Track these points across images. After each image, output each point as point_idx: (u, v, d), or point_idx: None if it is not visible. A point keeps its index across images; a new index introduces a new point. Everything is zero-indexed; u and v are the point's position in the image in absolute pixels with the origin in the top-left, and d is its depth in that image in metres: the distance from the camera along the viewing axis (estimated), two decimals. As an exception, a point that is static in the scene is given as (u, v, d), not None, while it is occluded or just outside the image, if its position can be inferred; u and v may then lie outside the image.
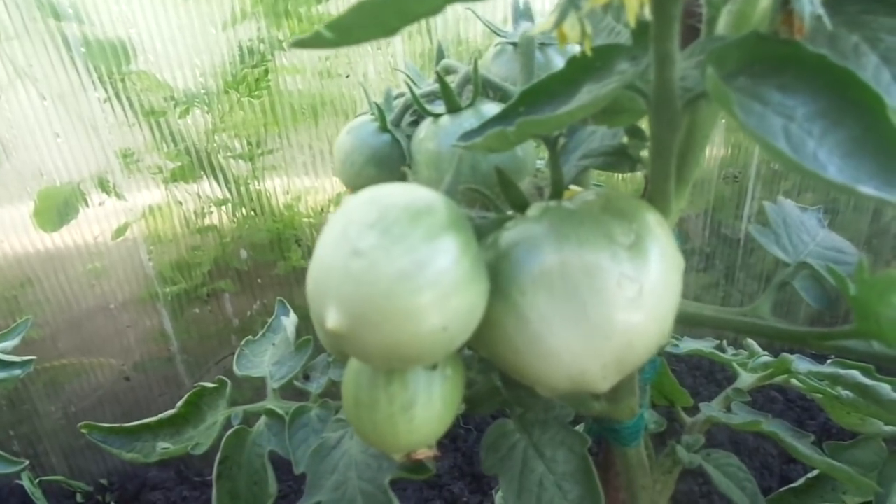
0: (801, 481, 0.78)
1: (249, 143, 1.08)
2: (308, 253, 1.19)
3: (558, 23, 0.29)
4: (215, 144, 1.07)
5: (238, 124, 1.06)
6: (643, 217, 0.32)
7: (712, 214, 1.32)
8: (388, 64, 1.07)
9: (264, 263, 1.19)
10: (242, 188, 1.12)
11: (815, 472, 0.78)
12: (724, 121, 1.19)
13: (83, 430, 0.60)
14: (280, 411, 0.52)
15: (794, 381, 0.63)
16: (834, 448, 0.71)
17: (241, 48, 1.01)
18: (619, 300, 0.30)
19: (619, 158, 0.37)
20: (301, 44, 0.26)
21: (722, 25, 0.33)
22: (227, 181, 1.11)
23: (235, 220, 1.14)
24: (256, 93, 1.03)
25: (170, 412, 0.58)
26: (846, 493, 0.78)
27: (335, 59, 1.04)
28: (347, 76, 1.06)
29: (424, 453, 0.37)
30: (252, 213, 1.14)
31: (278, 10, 0.98)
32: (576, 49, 0.48)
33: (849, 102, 0.26)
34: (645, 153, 0.37)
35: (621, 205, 0.33)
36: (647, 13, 0.28)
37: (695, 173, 0.37)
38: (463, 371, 0.36)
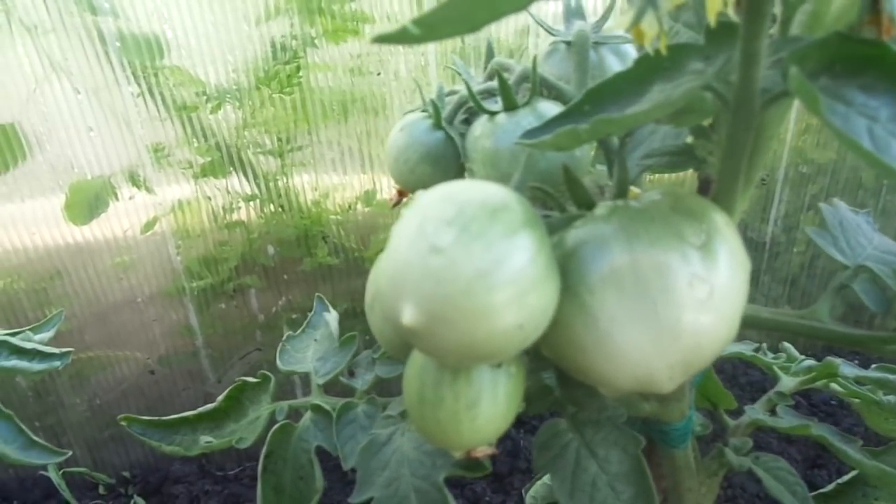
0: (831, 486, 0.78)
1: (279, 140, 1.09)
2: (335, 250, 1.19)
3: (636, 21, 0.29)
4: (245, 140, 1.08)
5: (268, 120, 1.06)
6: (712, 217, 0.32)
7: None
8: (420, 62, 1.06)
9: (291, 260, 1.19)
10: (271, 184, 1.12)
11: (845, 478, 0.77)
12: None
13: (122, 423, 0.61)
14: (327, 407, 0.52)
15: (833, 385, 0.62)
16: (866, 453, 0.70)
17: (273, 44, 1.01)
18: (689, 301, 0.30)
19: (684, 158, 0.36)
20: (385, 39, 0.26)
21: (796, 25, 0.32)
22: (255, 177, 1.11)
23: (263, 215, 1.14)
24: (287, 89, 1.03)
25: (209, 406, 0.59)
26: (878, 498, 0.77)
27: (366, 56, 1.04)
28: (378, 74, 1.06)
29: (483, 451, 0.37)
30: (280, 209, 1.14)
31: (311, 6, 0.99)
32: (629, 49, 0.48)
33: (933, 104, 0.26)
34: (709, 153, 0.37)
35: (690, 205, 0.33)
36: (730, 13, 0.28)
37: (758, 175, 0.37)
38: (524, 369, 0.36)
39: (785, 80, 0.29)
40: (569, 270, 0.32)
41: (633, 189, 0.41)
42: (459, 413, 0.33)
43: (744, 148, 0.32)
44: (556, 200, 0.37)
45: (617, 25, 0.30)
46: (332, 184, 1.15)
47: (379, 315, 0.38)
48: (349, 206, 1.17)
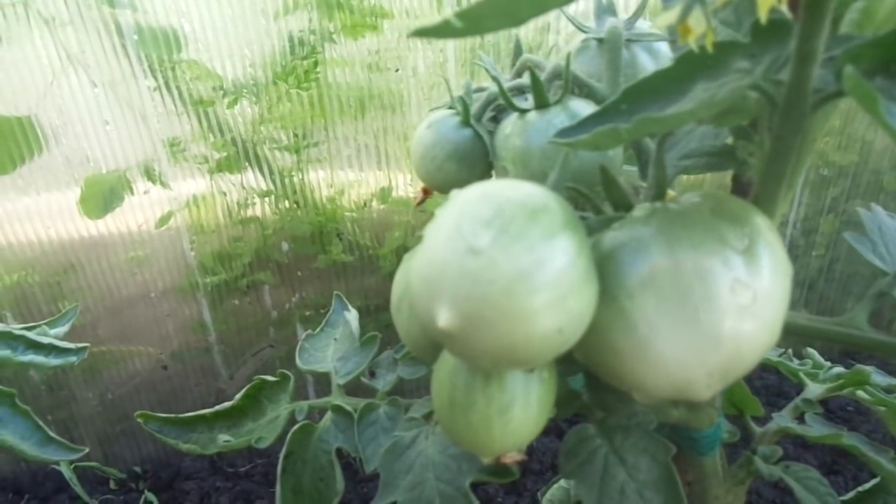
0: (851, 494, 0.77)
1: (295, 135, 1.08)
2: (349, 247, 1.18)
3: (683, 17, 0.28)
4: (261, 136, 1.07)
5: (284, 116, 1.06)
6: (754, 221, 0.31)
7: (757, 219, 1.29)
8: (438, 59, 1.06)
9: (305, 256, 1.18)
10: (286, 180, 1.11)
11: (866, 486, 0.76)
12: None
13: (140, 420, 0.60)
14: (348, 408, 0.51)
15: (860, 393, 0.61)
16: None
17: (291, 39, 1.00)
18: (731, 307, 0.29)
19: (724, 159, 0.35)
20: (425, 32, 0.25)
21: (846, 23, 0.31)
22: (271, 173, 1.10)
23: (278, 212, 1.14)
24: (305, 85, 1.02)
25: (227, 404, 0.58)
26: (900, 507, 0.76)
27: (384, 52, 1.04)
28: (397, 70, 1.05)
29: (513, 457, 0.36)
30: (294, 205, 1.13)
31: (330, 1, 0.98)
32: (662, 47, 0.47)
33: None
34: (750, 155, 0.36)
35: (732, 208, 0.32)
36: (783, 8, 0.27)
37: (800, 178, 0.36)
38: (556, 374, 0.35)
39: (838, 79, 0.28)
40: (607, 274, 0.31)
41: (670, 191, 0.40)
42: (491, 418, 0.32)
43: (791, 150, 0.31)
44: (591, 201, 0.36)
45: (660, 22, 0.29)
46: (348, 180, 1.14)
47: (407, 316, 0.37)
48: (364, 204, 1.16)
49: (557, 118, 0.40)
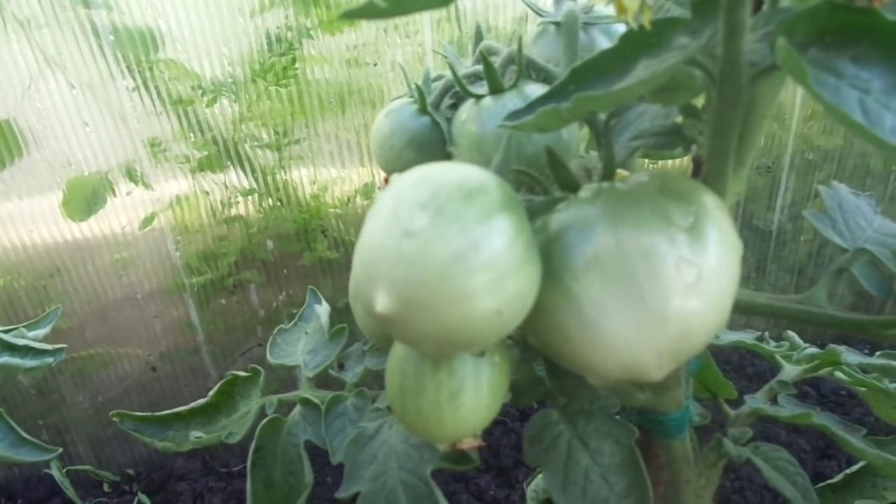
0: (839, 477, 0.77)
1: (276, 133, 1.08)
2: (334, 244, 1.18)
3: (617, -7, 0.28)
4: (242, 134, 1.07)
5: (265, 113, 1.06)
6: (701, 199, 0.31)
7: (744, 206, 1.29)
8: (417, 52, 1.05)
9: (290, 254, 1.18)
10: (269, 178, 1.11)
11: (854, 468, 0.76)
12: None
13: (115, 419, 0.60)
14: (315, 400, 0.51)
15: (837, 373, 0.61)
16: (873, 443, 0.69)
17: (268, 36, 1.00)
18: (677, 285, 0.29)
19: (672, 138, 0.35)
20: (353, 14, 0.25)
21: (787, -2, 0.31)
22: (253, 171, 1.10)
23: (262, 210, 1.13)
24: (284, 81, 1.02)
25: (202, 401, 0.58)
26: (887, 489, 0.76)
27: (363, 47, 1.03)
28: (375, 65, 1.05)
29: (469, 443, 0.36)
30: (278, 203, 1.13)
31: (306, -3, 0.98)
32: (620, 29, 0.47)
33: (930, 76, 0.25)
34: (699, 133, 0.35)
35: (678, 186, 0.32)
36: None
37: (751, 155, 0.36)
38: (510, 359, 0.35)
39: (773, 52, 0.27)
40: (552, 255, 0.31)
41: (622, 172, 0.40)
42: (442, 404, 0.32)
43: (732, 125, 0.30)
44: (541, 185, 0.35)
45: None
46: (331, 177, 1.14)
47: (361, 305, 0.37)
48: (348, 200, 1.16)
49: (511, 102, 0.40)
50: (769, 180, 1.26)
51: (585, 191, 0.33)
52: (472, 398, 0.33)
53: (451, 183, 0.28)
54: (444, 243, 0.26)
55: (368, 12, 0.25)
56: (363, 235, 0.29)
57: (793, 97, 1.19)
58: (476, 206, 0.27)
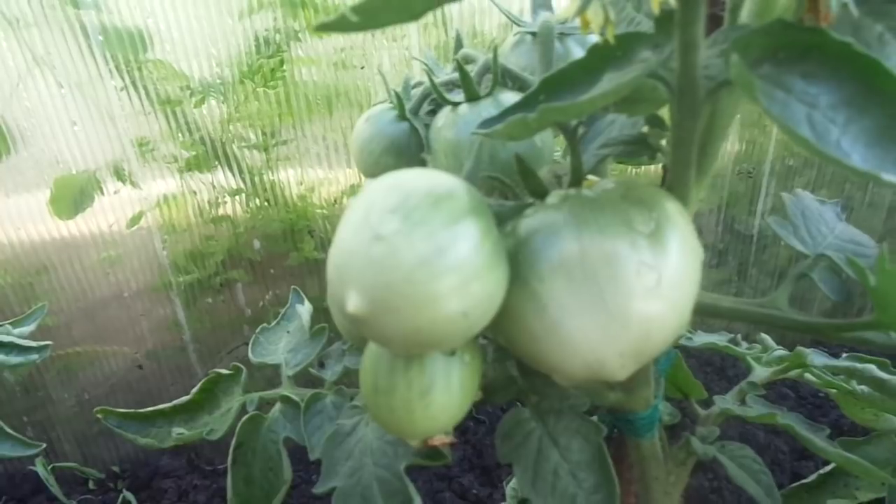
0: (813, 477, 0.78)
1: (264, 134, 1.09)
2: (321, 244, 1.19)
3: (581, 9, 0.29)
4: (230, 134, 1.08)
5: (253, 114, 1.07)
6: (663, 206, 0.32)
7: (726, 210, 1.31)
8: (404, 56, 1.06)
9: (277, 254, 1.19)
10: (256, 178, 1.12)
11: (827, 468, 0.78)
12: (738, 116, 1.19)
13: (98, 416, 0.61)
14: (295, 398, 0.52)
15: (808, 375, 0.62)
16: (846, 444, 0.70)
17: (257, 38, 1.01)
18: (637, 288, 0.30)
19: (638, 147, 0.37)
20: (326, 27, 0.26)
21: (745, 14, 0.32)
22: (241, 171, 1.11)
23: (249, 210, 1.14)
24: (271, 83, 1.03)
25: (185, 398, 0.59)
26: (859, 489, 0.78)
27: (350, 50, 1.04)
28: (362, 67, 1.06)
29: (441, 440, 0.37)
30: (266, 203, 1.14)
31: (294, 0, 0.99)
32: (595, 39, 0.48)
33: (873, 91, 0.26)
34: (665, 142, 0.37)
35: (641, 193, 0.33)
36: (672, 2, 0.28)
37: (714, 164, 0.37)
38: (481, 358, 0.36)
39: (727, 68, 0.29)
40: (520, 259, 0.32)
41: (593, 178, 0.41)
42: (412, 401, 0.33)
43: (692, 136, 0.32)
44: (513, 190, 0.37)
45: (561, 15, 0.30)
46: (318, 178, 1.15)
47: (335, 305, 0.38)
48: (335, 201, 1.17)
49: (486, 110, 0.41)
50: (750, 185, 1.28)
51: (552, 197, 0.34)
52: (443, 396, 0.34)
53: (419, 189, 0.29)
54: (412, 247, 0.27)
55: (340, 26, 0.26)
56: (336, 239, 0.30)
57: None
58: (443, 211, 0.28)
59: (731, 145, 1.25)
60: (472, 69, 0.45)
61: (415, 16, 0.27)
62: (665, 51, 0.31)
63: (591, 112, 0.39)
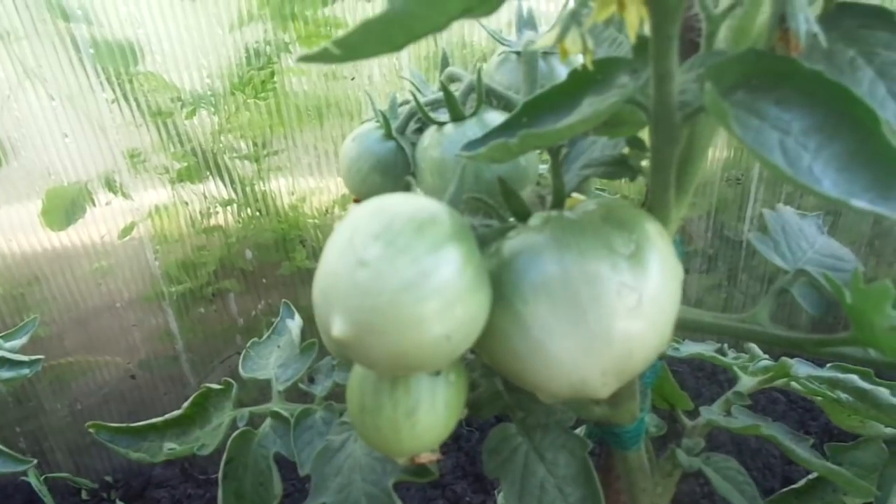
0: (802, 482, 0.79)
1: (255, 144, 1.09)
2: (313, 254, 1.20)
3: (560, 38, 0.30)
4: (221, 145, 1.08)
5: (244, 125, 1.07)
6: (643, 227, 0.33)
7: (715, 216, 1.32)
8: (393, 66, 1.07)
9: (269, 264, 1.19)
10: (248, 189, 1.12)
11: (816, 473, 0.79)
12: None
13: (91, 430, 0.61)
14: (285, 413, 0.52)
15: (793, 384, 0.63)
16: (835, 449, 0.71)
17: (247, 50, 1.01)
18: (618, 309, 0.31)
19: (619, 168, 0.37)
20: (309, 59, 0.27)
21: (721, 40, 0.33)
22: (232, 182, 1.11)
23: (241, 220, 1.15)
24: (262, 94, 1.03)
25: (176, 413, 0.59)
26: (847, 493, 0.78)
27: (340, 61, 1.05)
28: (353, 78, 1.06)
29: (427, 457, 0.37)
30: (257, 213, 1.15)
31: (285, 12, 0.99)
32: (580, 58, 0.49)
33: (844, 117, 0.27)
34: (645, 163, 0.37)
35: (622, 215, 0.34)
36: (647, 28, 0.29)
37: (694, 183, 0.38)
38: (466, 377, 0.37)
39: (702, 95, 0.29)
40: (503, 280, 0.33)
41: (578, 196, 0.42)
42: (398, 421, 0.34)
43: (669, 160, 0.32)
44: (496, 211, 0.37)
45: (540, 43, 0.30)
46: (310, 188, 1.15)
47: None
48: (326, 210, 1.17)
49: (471, 130, 0.42)
50: (739, 192, 1.29)
51: (535, 219, 0.34)
52: (428, 415, 0.34)
53: (403, 214, 0.30)
54: (396, 272, 0.28)
55: (323, 58, 0.27)
56: (321, 263, 0.30)
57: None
58: (426, 237, 0.29)
59: (719, 151, 1.26)
60: (458, 87, 0.46)
61: (396, 48, 0.27)
62: (642, 77, 0.31)
63: (571, 136, 0.39)
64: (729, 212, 1.31)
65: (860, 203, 0.25)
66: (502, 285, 0.32)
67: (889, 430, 0.72)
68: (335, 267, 0.29)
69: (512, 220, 0.36)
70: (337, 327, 0.28)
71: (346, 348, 0.29)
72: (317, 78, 1.06)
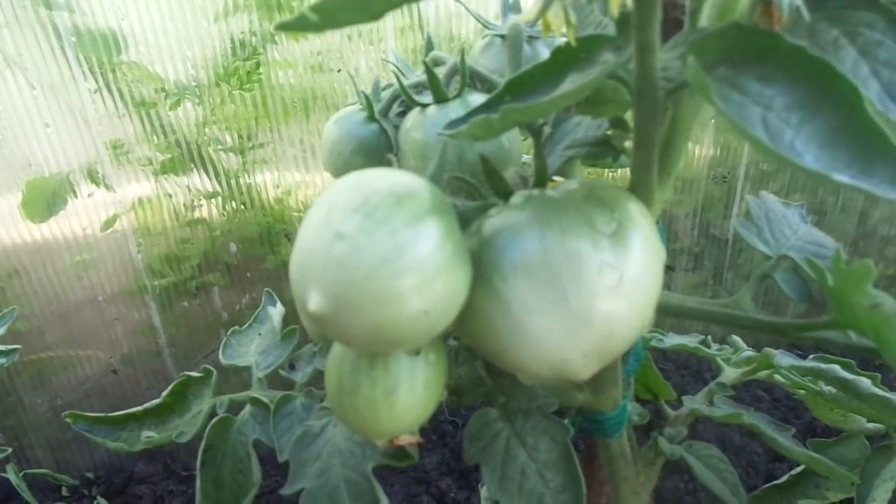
0: (784, 478, 0.79)
1: (240, 137, 1.08)
2: (298, 247, 1.19)
3: (542, 11, 0.30)
4: (206, 137, 1.07)
5: (229, 117, 1.06)
6: (625, 206, 0.33)
7: (701, 214, 1.32)
8: (381, 59, 1.07)
9: (254, 257, 1.18)
10: (233, 181, 1.11)
11: (798, 469, 0.79)
12: (713, 121, 1.20)
13: (68, 420, 0.60)
14: (265, 400, 0.52)
15: (777, 377, 0.63)
16: (817, 445, 0.71)
17: (232, 41, 1.01)
18: (599, 287, 0.31)
19: (602, 149, 0.37)
20: (286, 27, 0.26)
21: (705, 17, 0.33)
22: (217, 174, 1.10)
23: (225, 213, 1.14)
24: (248, 86, 1.03)
25: (155, 401, 0.59)
26: (829, 489, 0.79)
27: (327, 53, 1.04)
28: (339, 71, 1.06)
29: (407, 440, 0.37)
30: (242, 206, 1.14)
31: (270, 2, 0.98)
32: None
33: (826, 93, 0.27)
34: (629, 144, 0.37)
35: (604, 194, 0.33)
36: (630, 4, 0.28)
37: (677, 165, 0.38)
38: (446, 358, 0.37)
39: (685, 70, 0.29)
40: (483, 258, 0.32)
41: (558, 179, 0.41)
42: (377, 401, 0.33)
43: (653, 138, 0.32)
44: (478, 191, 0.37)
45: (522, 18, 0.30)
46: (295, 181, 1.15)
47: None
48: (312, 204, 1.16)
49: (454, 112, 0.42)
50: (725, 190, 1.29)
51: (516, 197, 0.34)
52: (408, 395, 0.34)
53: (382, 188, 0.29)
54: (373, 246, 0.27)
55: (300, 26, 0.26)
56: (298, 238, 0.30)
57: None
58: (405, 210, 0.28)
59: (705, 149, 1.26)
60: (442, 71, 0.45)
61: (374, 16, 0.27)
62: (625, 53, 0.31)
63: (553, 112, 0.39)
64: (715, 210, 1.31)
65: (842, 178, 0.25)
66: (482, 263, 0.32)
67: (871, 426, 0.72)
68: (312, 241, 0.29)
69: (493, 200, 0.36)
70: (313, 302, 0.28)
71: (323, 324, 0.29)
72: (303, 70, 1.05)
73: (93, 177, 1.05)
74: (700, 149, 1.25)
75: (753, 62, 0.28)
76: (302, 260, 0.29)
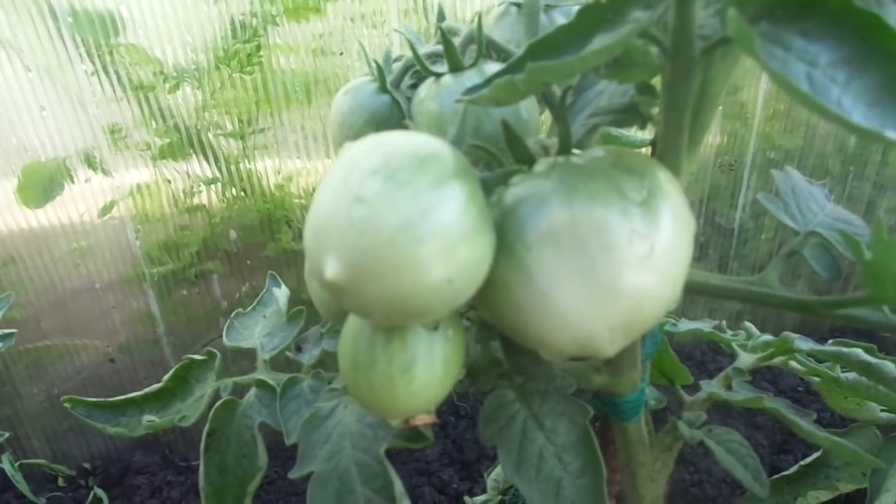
0: (794, 469, 0.78)
1: (240, 122, 1.06)
2: (299, 235, 1.17)
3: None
4: (205, 122, 1.05)
5: (229, 102, 1.04)
6: (655, 174, 0.31)
7: (707, 203, 1.31)
8: (384, 42, 1.05)
9: (254, 245, 1.17)
10: (232, 167, 1.09)
11: (808, 460, 0.78)
12: (720, 108, 1.19)
13: (67, 404, 0.59)
14: (271, 382, 0.50)
15: (792, 363, 0.62)
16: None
17: (232, 23, 0.99)
18: (629, 258, 0.29)
19: (629, 116, 0.35)
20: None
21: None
22: (216, 160, 1.09)
23: (225, 200, 1.12)
24: (248, 69, 1.01)
25: (156, 385, 0.57)
26: (839, 480, 0.78)
27: (329, 36, 1.02)
28: (341, 54, 1.04)
29: (423, 419, 0.35)
30: (242, 193, 1.12)
31: (271, -17, 0.97)
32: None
33: (874, 49, 0.26)
34: (656, 111, 0.36)
35: (632, 161, 0.32)
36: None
37: (705, 133, 0.36)
38: (464, 334, 0.35)
39: (724, 25, 0.28)
40: (506, 227, 0.31)
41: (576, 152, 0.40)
42: (394, 377, 0.32)
43: (685, 99, 0.30)
44: (498, 160, 0.35)
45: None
46: (296, 167, 1.13)
47: (314, 279, 0.36)
48: (313, 190, 1.15)
49: (470, 80, 0.40)
50: (732, 178, 1.28)
51: (541, 164, 0.32)
52: (425, 372, 0.32)
53: (403, 150, 0.28)
54: (395, 209, 0.26)
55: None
56: (314, 203, 0.28)
57: (755, 97, 1.21)
58: (428, 172, 0.27)
59: (712, 137, 1.24)
60: (456, 41, 0.44)
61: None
62: (658, 9, 0.30)
63: (581, 72, 0.37)
64: (721, 199, 1.30)
65: (893, 134, 0.23)
66: (505, 233, 0.30)
67: (885, 415, 0.71)
68: (329, 205, 0.27)
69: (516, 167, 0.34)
70: (330, 269, 0.26)
71: (340, 294, 0.27)
72: (304, 54, 1.03)
73: (90, 162, 1.03)
74: (707, 136, 1.24)
75: (796, 16, 0.27)
76: (318, 225, 0.27)
